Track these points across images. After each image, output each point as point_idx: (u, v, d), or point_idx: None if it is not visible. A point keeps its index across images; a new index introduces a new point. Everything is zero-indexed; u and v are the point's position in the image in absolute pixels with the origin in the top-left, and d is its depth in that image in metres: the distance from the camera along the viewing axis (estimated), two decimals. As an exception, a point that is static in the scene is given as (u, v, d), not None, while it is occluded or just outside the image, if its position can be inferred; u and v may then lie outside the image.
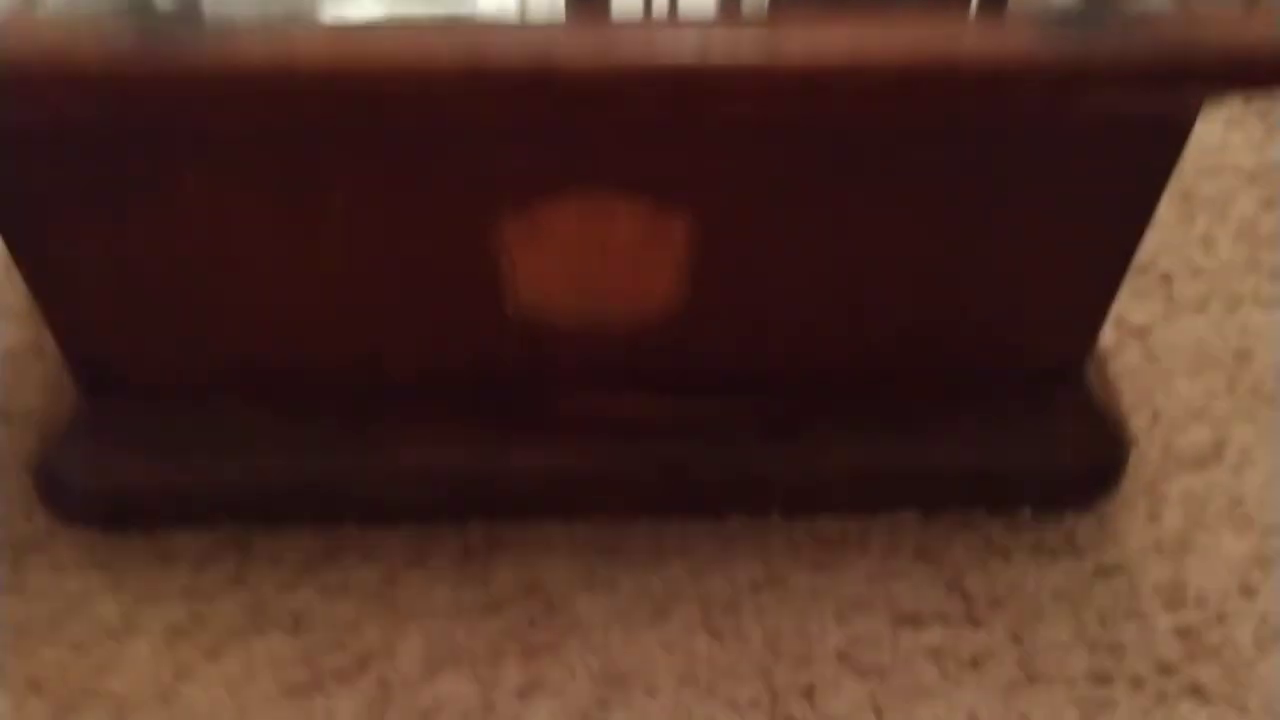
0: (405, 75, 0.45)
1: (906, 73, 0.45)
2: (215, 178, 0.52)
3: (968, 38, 0.45)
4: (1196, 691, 0.61)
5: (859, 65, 0.45)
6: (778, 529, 0.66)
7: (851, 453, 0.64)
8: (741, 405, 0.64)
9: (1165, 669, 0.62)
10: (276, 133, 0.50)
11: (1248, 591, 0.64)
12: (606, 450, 0.64)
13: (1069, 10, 0.46)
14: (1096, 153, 0.52)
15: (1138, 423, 0.70)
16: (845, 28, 0.45)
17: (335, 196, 0.53)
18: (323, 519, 0.65)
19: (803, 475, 0.65)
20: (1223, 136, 0.84)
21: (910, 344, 0.62)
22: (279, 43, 0.44)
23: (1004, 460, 0.65)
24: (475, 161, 0.51)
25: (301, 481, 0.64)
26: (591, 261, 0.56)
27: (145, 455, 0.63)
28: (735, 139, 0.51)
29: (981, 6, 0.50)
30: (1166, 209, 0.79)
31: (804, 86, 0.46)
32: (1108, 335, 0.70)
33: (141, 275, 0.56)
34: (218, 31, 0.44)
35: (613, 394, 0.63)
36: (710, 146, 0.51)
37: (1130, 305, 0.76)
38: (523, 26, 0.46)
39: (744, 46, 0.45)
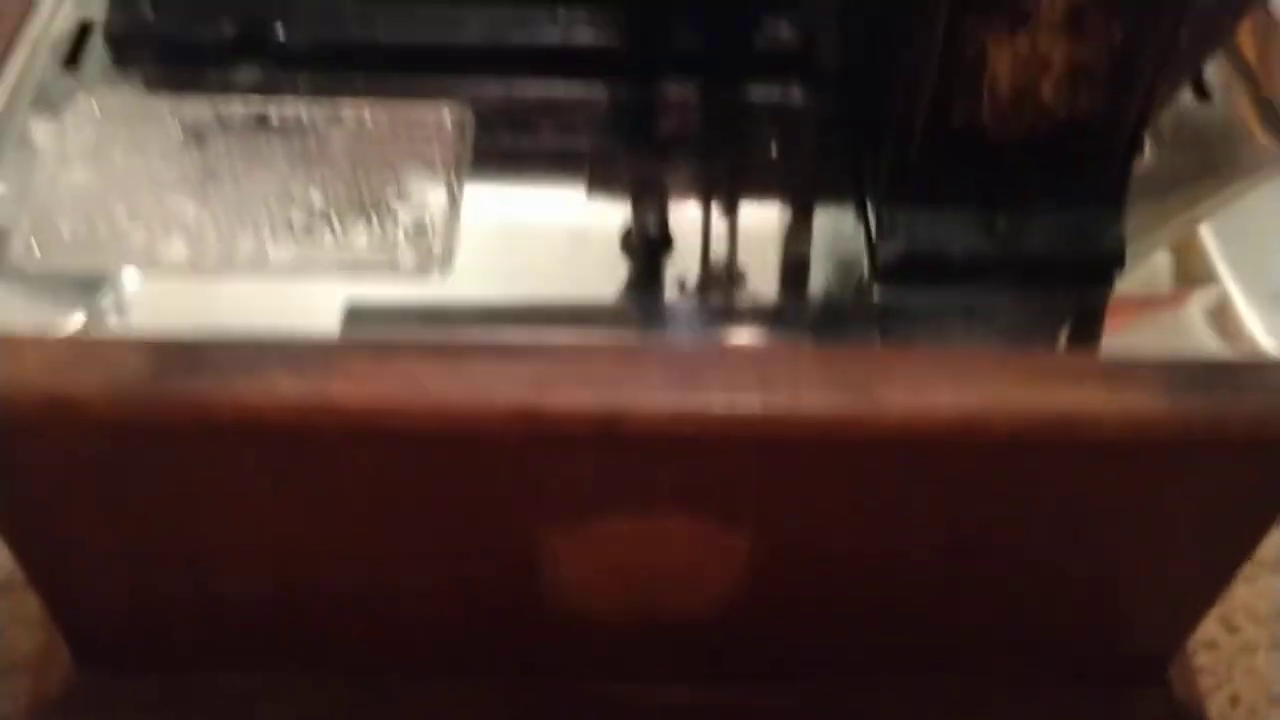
0: (455, 423, 0.40)
1: (1015, 438, 0.41)
2: (235, 478, 0.47)
3: (1090, 401, 0.41)
4: None
5: (965, 430, 0.40)
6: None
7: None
8: (790, 692, 0.59)
9: None
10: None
11: None
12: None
13: (1190, 370, 0.42)
14: (1216, 481, 0.48)
15: (1215, 707, 0.65)
16: (948, 386, 0.41)
17: (363, 496, 0.48)
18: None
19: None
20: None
21: (983, 640, 0.57)
22: (314, 384, 0.40)
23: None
24: (523, 483, 0.46)
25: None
26: (642, 567, 0.51)
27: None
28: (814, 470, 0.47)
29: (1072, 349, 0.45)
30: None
31: (904, 449, 0.41)
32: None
33: (149, 557, 0.51)
34: (246, 369, 0.40)
35: (654, 683, 0.58)
36: (784, 479, 0.46)
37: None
38: (585, 365, 0.41)
39: (836, 402, 0.41)
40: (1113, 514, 0.48)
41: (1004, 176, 0.43)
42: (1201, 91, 0.52)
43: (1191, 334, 0.44)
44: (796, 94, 0.51)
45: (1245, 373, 0.42)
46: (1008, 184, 0.44)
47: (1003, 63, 0.40)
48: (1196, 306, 0.44)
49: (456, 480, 0.45)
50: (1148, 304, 0.45)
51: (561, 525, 0.48)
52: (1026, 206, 0.44)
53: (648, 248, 0.44)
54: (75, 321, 0.42)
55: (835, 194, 0.48)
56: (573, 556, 0.50)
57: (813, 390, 0.41)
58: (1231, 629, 0.69)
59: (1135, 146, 0.43)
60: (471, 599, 0.53)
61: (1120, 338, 0.44)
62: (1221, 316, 0.44)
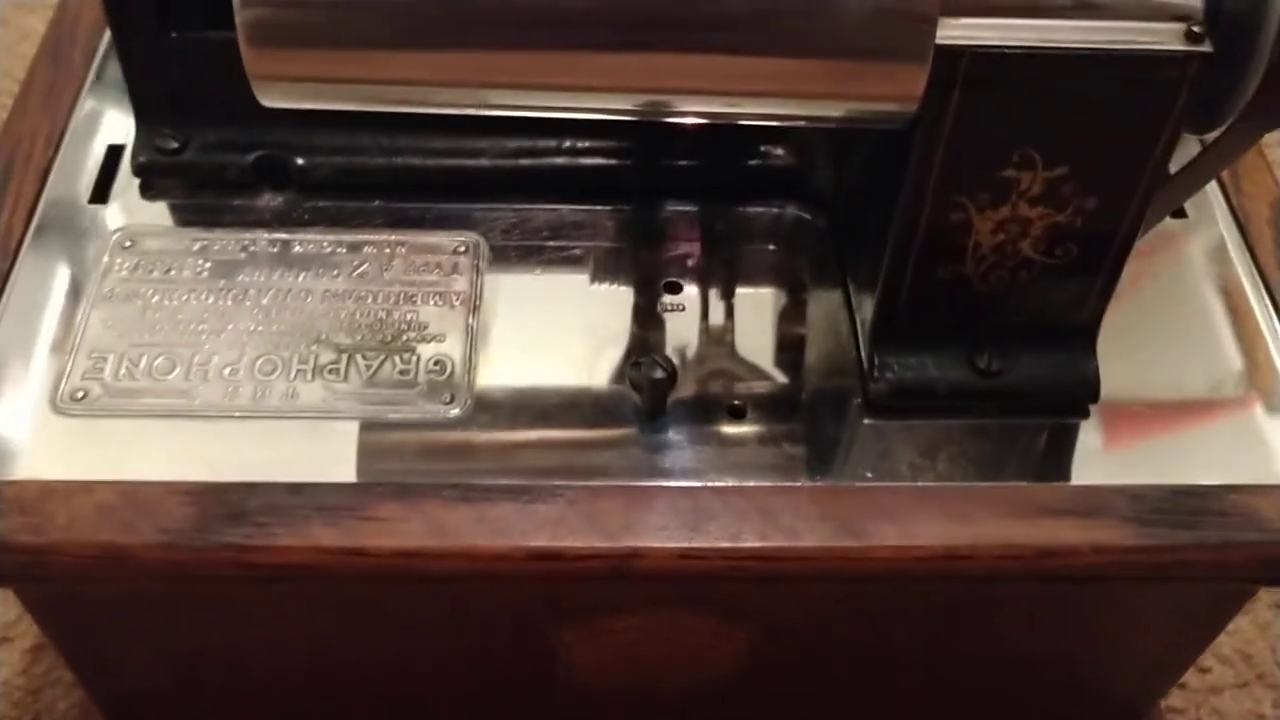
0: (479, 565, 0.43)
1: (995, 570, 0.44)
2: (274, 609, 0.50)
3: (1064, 535, 0.44)
4: None
5: (949, 563, 0.44)
6: None
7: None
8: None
9: None
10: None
11: None
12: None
13: (1158, 501, 0.45)
14: (1188, 593, 0.51)
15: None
16: (934, 523, 0.44)
17: (392, 620, 0.51)
18: None
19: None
20: None
21: (964, 710, 0.60)
22: (348, 534, 0.43)
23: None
24: (540, 600, 0.50)
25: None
26: (651, 650, 0.55)
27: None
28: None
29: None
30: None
31: (894, 579, 0.45)
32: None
33: (190, 664, 0.54)
34: (284, 520, 0.43)
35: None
36: (784, 594, 0.49)
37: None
38: (599, 507, 0.44)
39: (832, 539, 0.44)
40: (1086, 619, 0.51)
41: (987, 318, 0.47)
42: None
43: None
44: (792, 213, 0.54)
45: (1211, 498, 0.46)
46: (991, 325, 0.47)
47: (985, 227, 0.43)
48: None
49: (477, 602, 0.49)
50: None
51: (575, 623, 0.51)
52: (1009, 344, 0.47)
53: (654, 386, 0.46)
54: (118, 468, 0.45)
55: (831, 320, 0.51)
56: (584, 644, 0.53)
57: (809, 529, 0.44)
58: (1201, 670, 0.73)
59: (1113, 285, 0.46)
60: (486, 680, 0.57)
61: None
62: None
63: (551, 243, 0.53)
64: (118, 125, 0.55)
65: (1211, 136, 0.43)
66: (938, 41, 0.38)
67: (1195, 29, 0.39)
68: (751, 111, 0.41)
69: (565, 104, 0.41)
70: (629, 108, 0.41)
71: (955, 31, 0.39)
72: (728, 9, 0.39)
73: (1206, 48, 0.39)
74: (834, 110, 0.40)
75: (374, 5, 0.39)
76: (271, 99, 0.40)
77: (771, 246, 0.53)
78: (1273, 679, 0.73)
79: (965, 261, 0.45)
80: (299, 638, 0.52)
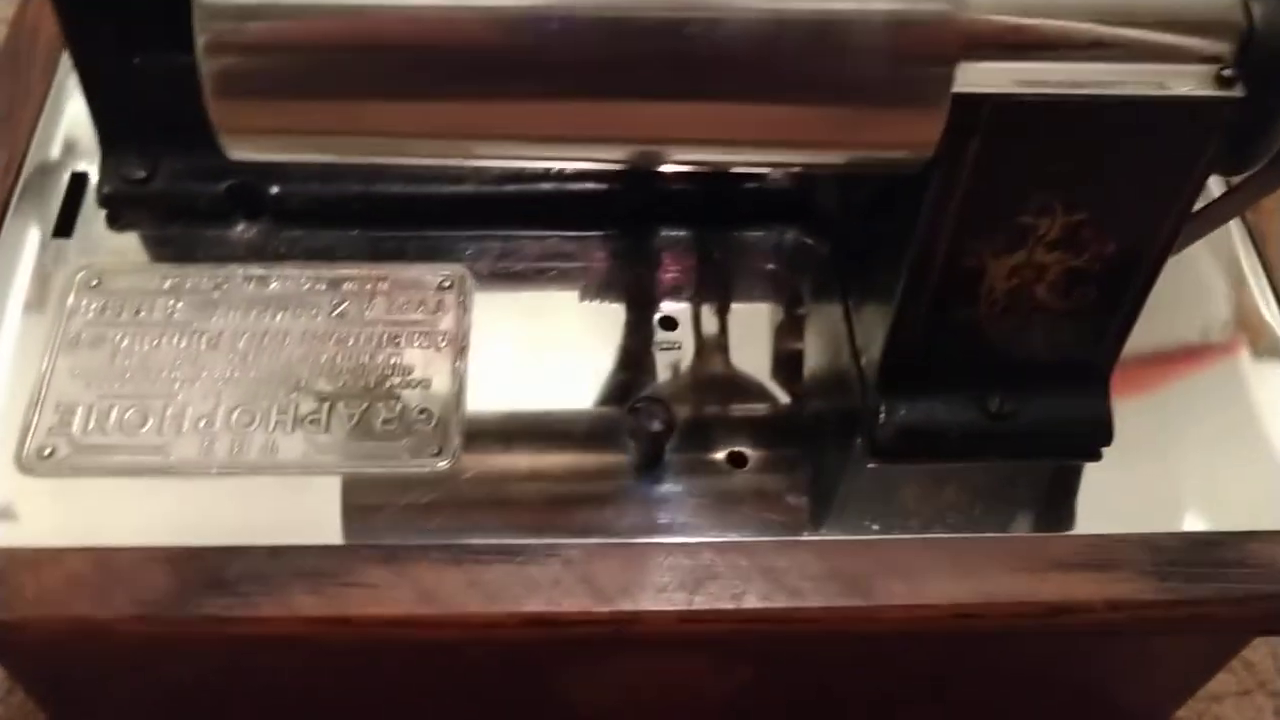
0: (471, 631, 0.41)
1: (1006, 627, 0.43)
2: (258, 675, 0.46)
3: (1078, 590, 0.42)
4: None
5: (959, 621, 0.42)
6: None
7: None
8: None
9: None
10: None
11: None
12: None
13: (1175, 552, 0.44)
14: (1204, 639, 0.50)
15: None
16: (943, 579, 0.42)
17: (380, 679, 0.49)
18: None
19: None
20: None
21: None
22: (332, 602, 0.41)
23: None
24: (536, 660, 0.48)
25: None
26: (650, 688, 0.53)
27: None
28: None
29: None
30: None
31: (902, 636, 0.43)
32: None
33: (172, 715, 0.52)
34: (266, 587, 0.41)
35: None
36: (785, 648, 0.47)
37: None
38: (595, 569, 0.42)
39: (838, 598, 0.42)
40: (1098, 659, 0.50)
41: (999, 360, 0.45)
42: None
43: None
44: (794, 238, 0.52)
45: (1230, 547, 0.44)
46: (1003, 366, 0.45)
47: (1000, 273, 0.41)
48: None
49: (473, 658, 0.47)
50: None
51: (572, 667, 0.50)
52: (1021, 385, 0.45)
53: (651, 438, 0.44)
54: (89, 532, 0.42)
55: (834, 355, 0.48)
56: (581, 684, 0.52)
57: (814, 588, 0.42)
58: (1202, 674, 0.73)
59: (1130, 326, 0.44)
60: (479, 712, 0.55)
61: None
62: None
63: (541, 275, 0.50)
64: (81, 148, 0.52)
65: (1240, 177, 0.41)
66: (956, 90, 0.36)
67: (1226, 73, 0.37)
68: (755, 159, 0.38)
69: (557, 155, 0.38)
70: (625, 158, 0.39)
71: (974, 77, 0.36)
72: (728, 51, 0.36)
73: (1238, 93, 0.37)
74: (843, 158, 0.38)
75: (347, 50, 0.36)
76: (241, 152, 0.37)
77: (771, 275, 0.51)
78: (1274, 686, 0.72)
79: (978, 305, 0.42)
80: (284, 689, 0.50)
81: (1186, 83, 0.37)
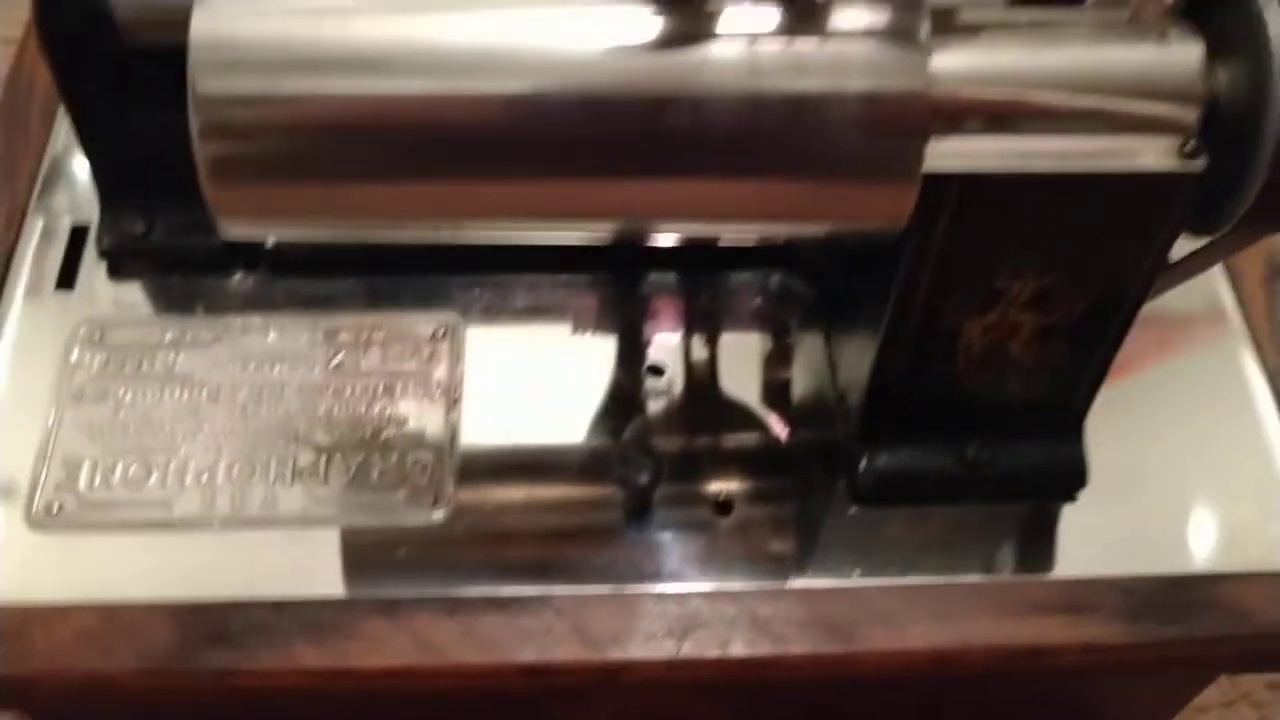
0: (467, 681, 0.43)
1: (984, 669, 0.44)
2: None
3: (1053, 634, 0.44)
4: None
5: (938, 665, 0.44)
6: None
7: None
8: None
9: None
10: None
11: None
12: None
13: (1148, 594, 0.45)
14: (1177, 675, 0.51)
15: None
16: (923, 625, 0.43)
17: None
18: None
19: None
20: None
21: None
22: (333, 654, 0.42)
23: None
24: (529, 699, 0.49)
25: None
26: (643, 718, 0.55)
27: None
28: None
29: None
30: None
31: (883, 681, 0.44)
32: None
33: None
34: (268, 640, 0.42)
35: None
36: (770, 687, 0.49)
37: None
38: (587, 618, 0.43)
39: (821, 645, 0.44)
40: (1087, 691, 0.52)
41: (976, 411, 0.46)
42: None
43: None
44: (779, 281, 0.53)
45: (1200, 589, 0.46)
46: (979, 416, 0.46)
47: (974, 331, 0.42)
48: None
49: (468, 698, 0.48)
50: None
51: (567, 705, 0.51)
52: (997, 433, 0.46)
53: (638, 490, 0.46)
54: (97, 586, 0.44)
55: (818, 400, 0.50)
56: (578, 713, 0.53)
57: (797, 634, 0.44)
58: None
59: (1104, 375, 0.46)
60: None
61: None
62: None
63: (532, 319, 0.51)
64: (82, 197, 0.53)
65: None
66: (926, 169, 0.37)
67: (1189, 145, 0.38)
68: (735, 232, 0.39)
69: (545, 231, 0.39)
70: (612, 233, 0.40)
71: (945, 154, 0.37)
72: (708, 131, 0.37)
73: (1200, 165, 0.38)
74: (819, 229, 0.39)
75: (338, 138, 0.37)
76: (237, 231, 0.38)
77: (758, 319, 0.52)
78: (1257, 697, 0.74)
79: (955, 360, 0.44)
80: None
81: (1151, 155, 0.38)
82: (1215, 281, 0.53)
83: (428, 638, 0.43)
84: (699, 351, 0.52)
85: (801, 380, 0.51)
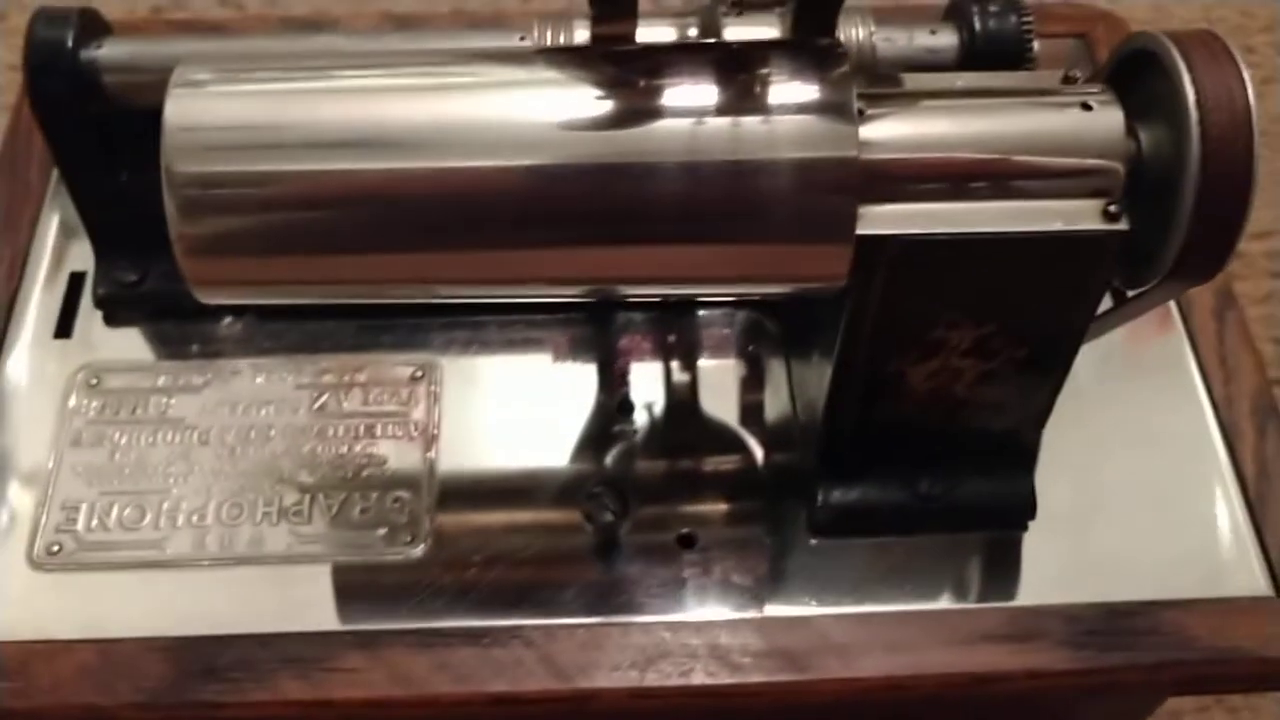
0: (442, 711, 0.45)
1: (934, 695, 0.46)
2: None
3: (1000, 661, 0.46)
4: None
5: (890, 692, 0.46)
6: None
7: None
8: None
9: None
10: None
11: None
12: None
13: (1093, 621, 0.47)
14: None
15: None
16: (877, 654, 0.46)
17: None
18: None
19: None
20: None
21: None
22: (316, 686, 0.45)
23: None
24: None
25: None
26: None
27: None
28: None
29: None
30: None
31: (838, 709, 0.47)
32: None
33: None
34: (256, 675, 0.45)
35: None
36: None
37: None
38: (555, 649, 0.46)
39: (778, 674, 0.46)
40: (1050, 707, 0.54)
41: (927, 448, 0.48)
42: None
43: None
44: (746, 316, 0.55)
45: (1143, 617, 0.48)
46: (931, 453, 0.48)
47: (918, 377, 0.44)
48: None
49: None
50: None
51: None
52: (949, 468, 0.48)
53: (605, 527, 0.48)
54: (95, 624, 0.47)
55: (782, 433, 0.52)
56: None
57: (755, 664, 0.46)
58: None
59: (1048, 412, 0.47)
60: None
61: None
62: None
63: (509, 354, 0.54)
64: (79, 247, 0.56)
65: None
66: (860, 231, 0.39)
67: (1112, 208, 0.40)
68: (685, 291, 0.41)
69: (507, 291, 0.42)
70: (574, 294, 0.42)
71: (878, 218, 0.40)
72: (655, 202, 0.39)
73: (1123, 226, 0.40)
74: (763, 289, 0.41)
75: (308, 213, 0.39)
76: (213, 299, 0.41)
77: (726, 355, 0.54)
78: (1231, 702, 0.76)
79: (904, 401, 0.46)
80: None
81: (1077, 217, 0.40)
82: (1166, 312, 0.55)
83: (404, 670, 0.46)
84: (670, 387, 0.54)
85: (769, 413, 0.53)
